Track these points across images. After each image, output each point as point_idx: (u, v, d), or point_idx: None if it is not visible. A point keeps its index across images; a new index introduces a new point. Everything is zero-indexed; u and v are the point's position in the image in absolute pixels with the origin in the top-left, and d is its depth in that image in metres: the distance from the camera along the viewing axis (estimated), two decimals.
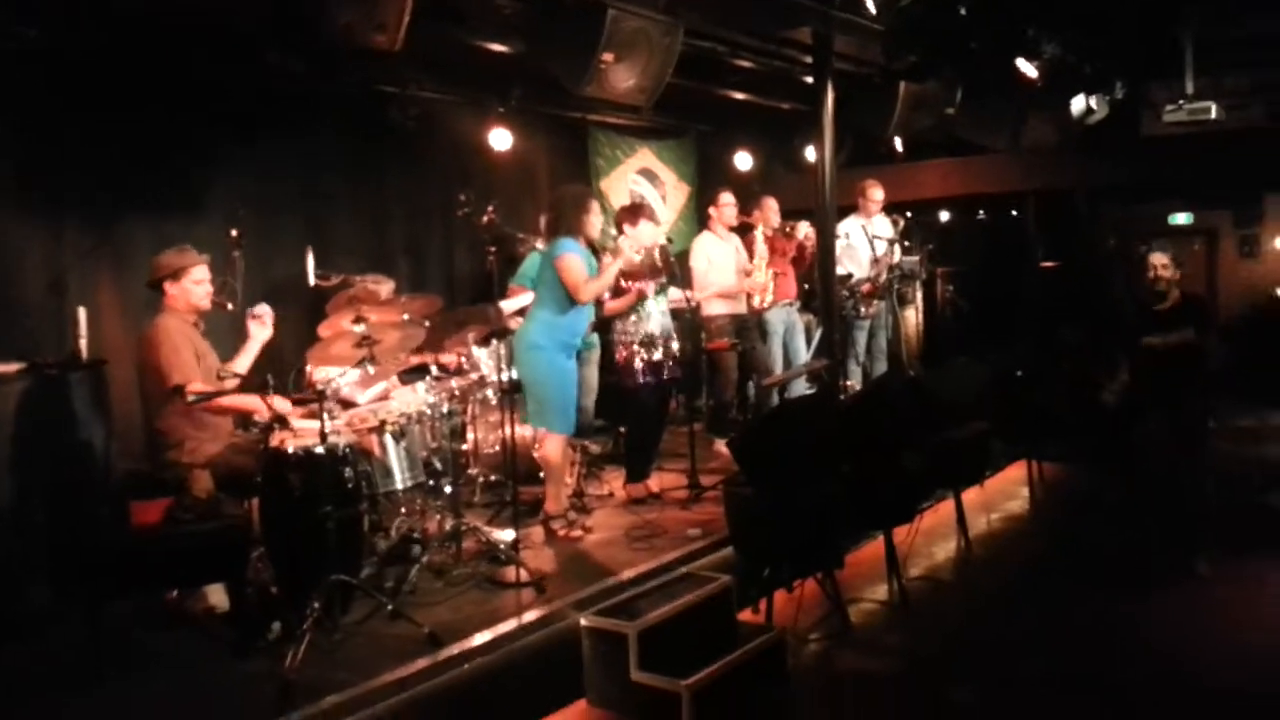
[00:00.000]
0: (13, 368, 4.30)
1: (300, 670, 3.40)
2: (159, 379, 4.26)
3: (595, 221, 5.11)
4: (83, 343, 4.61)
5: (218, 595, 4.06)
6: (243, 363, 4.64)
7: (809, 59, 6.71)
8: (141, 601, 4.07)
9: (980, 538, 5.84)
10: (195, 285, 4.47)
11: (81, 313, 4.64)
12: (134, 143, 5.25)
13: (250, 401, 4.35)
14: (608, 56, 4.99)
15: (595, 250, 5.29)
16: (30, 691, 3.51)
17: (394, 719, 3.36)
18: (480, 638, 3.78)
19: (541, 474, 5.19)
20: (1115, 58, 7.65)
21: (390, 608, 3.90)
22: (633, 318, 5.56)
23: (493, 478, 5.68)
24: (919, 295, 9.13)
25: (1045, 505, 6.62)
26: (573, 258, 4.92)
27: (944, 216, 10.84)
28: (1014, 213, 10.54)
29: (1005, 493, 6.73)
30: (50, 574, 3.98)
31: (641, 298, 5.49)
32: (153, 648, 3.82)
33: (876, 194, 7.67)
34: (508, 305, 5.56)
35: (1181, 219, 10.21)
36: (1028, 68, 6.77)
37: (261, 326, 4.72)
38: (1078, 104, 7.60)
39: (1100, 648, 4.32)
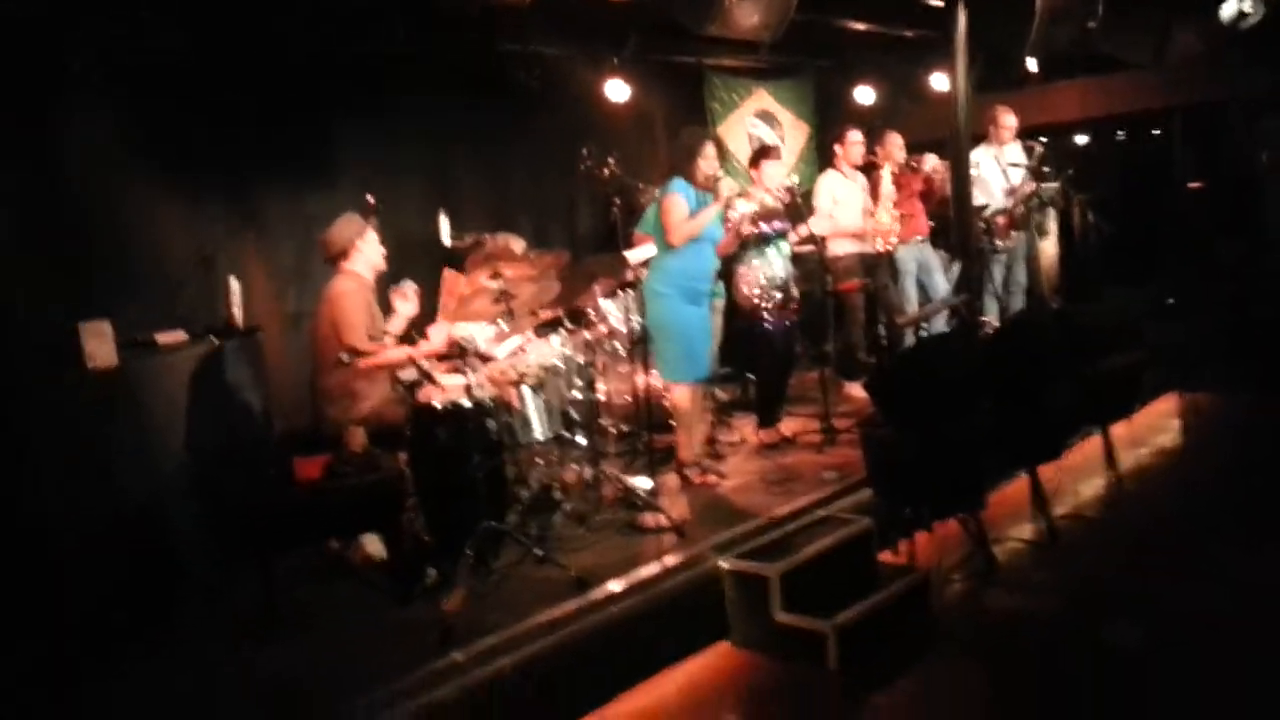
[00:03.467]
0: (177, 338, 4.58)
1: (458, 613, 3.56)
2: (335, 337, 4.39)
3: (705, 165, 5.00)
4: (236, 311, 4.85)
5: (374, 545, 4.27)
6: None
7: None
8: (305, 554, 4.29)
9: (1131, 473, 5.61)
10: (374, 247, 4.62)
11: (234, 283, 4.87)
12: (267, 119, 5.43)
13: (398, 355, 4.51)
14: None
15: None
16: (211, 644, 3.77)
17: (545, 659, 3.48)
18: (624, 581, 3.87)
19: (673, 422, 5.23)
20: None
21: (539, 553, 4.02)
22: (755, 262, 5.52)
23: (625, 427, 5.76)
24: (1054, 225, 8.72)
25: (1199, 438, 6.30)
26: (675, 198, 4.89)
27: (1080, 140, 10.29)
28: (1155, 131, 9.92)
29: (1155, 426, 6.42)
30: (223, 531, 4.23)
31: (743, 239, 5.41)
32: (319, 597, 4.05)
33: (1009, 120, 7.31)
34: (633, 255, 5.59)
35: None
36: None
37: (405, 301, 4.83)
38: (1228, 8, 7.05)
39: (1261, 586, 4.10)
